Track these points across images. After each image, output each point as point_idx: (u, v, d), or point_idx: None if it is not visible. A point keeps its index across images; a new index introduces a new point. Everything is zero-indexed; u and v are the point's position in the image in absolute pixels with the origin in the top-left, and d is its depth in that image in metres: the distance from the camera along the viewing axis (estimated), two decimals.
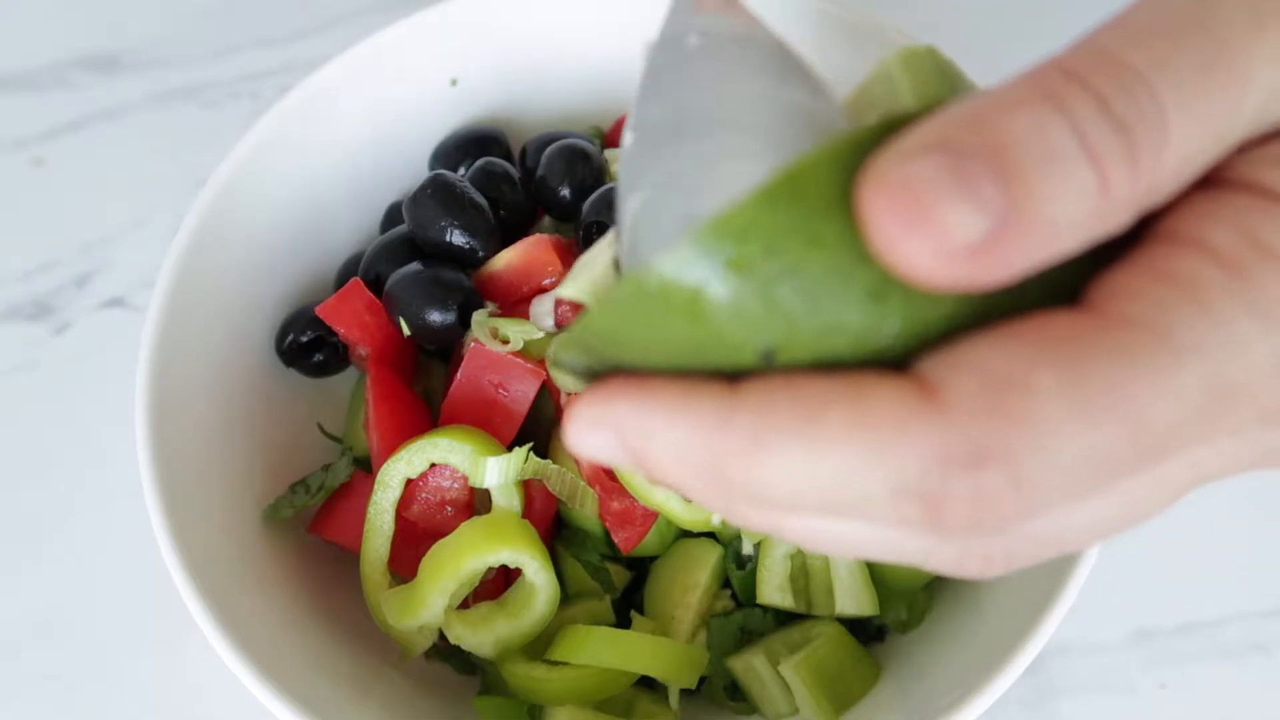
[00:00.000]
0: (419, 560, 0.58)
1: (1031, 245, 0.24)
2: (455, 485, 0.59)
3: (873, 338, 0.26)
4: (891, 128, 0.26)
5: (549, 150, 0.67)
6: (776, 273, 0.25)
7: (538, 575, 0.57)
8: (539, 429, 0.62)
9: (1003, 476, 0.24)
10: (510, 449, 0.58)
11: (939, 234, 0.23)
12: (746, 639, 0.60)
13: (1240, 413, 0.26)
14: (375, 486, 0.59)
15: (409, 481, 0.59)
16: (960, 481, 0.24)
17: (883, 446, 0.25)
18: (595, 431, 0.27)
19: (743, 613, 0.60)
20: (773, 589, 0.58)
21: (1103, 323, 0.25)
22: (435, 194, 0.63)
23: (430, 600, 0.56)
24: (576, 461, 0.58)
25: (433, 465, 0.59)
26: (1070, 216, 0.24)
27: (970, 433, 0.24)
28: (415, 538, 0.60)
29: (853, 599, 0.58)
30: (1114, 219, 0.25)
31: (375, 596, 0.59)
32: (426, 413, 0.64)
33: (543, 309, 0.62)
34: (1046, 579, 0.54)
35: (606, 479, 0.58)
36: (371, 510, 0.59)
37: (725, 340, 0.26)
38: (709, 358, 0.26)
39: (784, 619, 0.61)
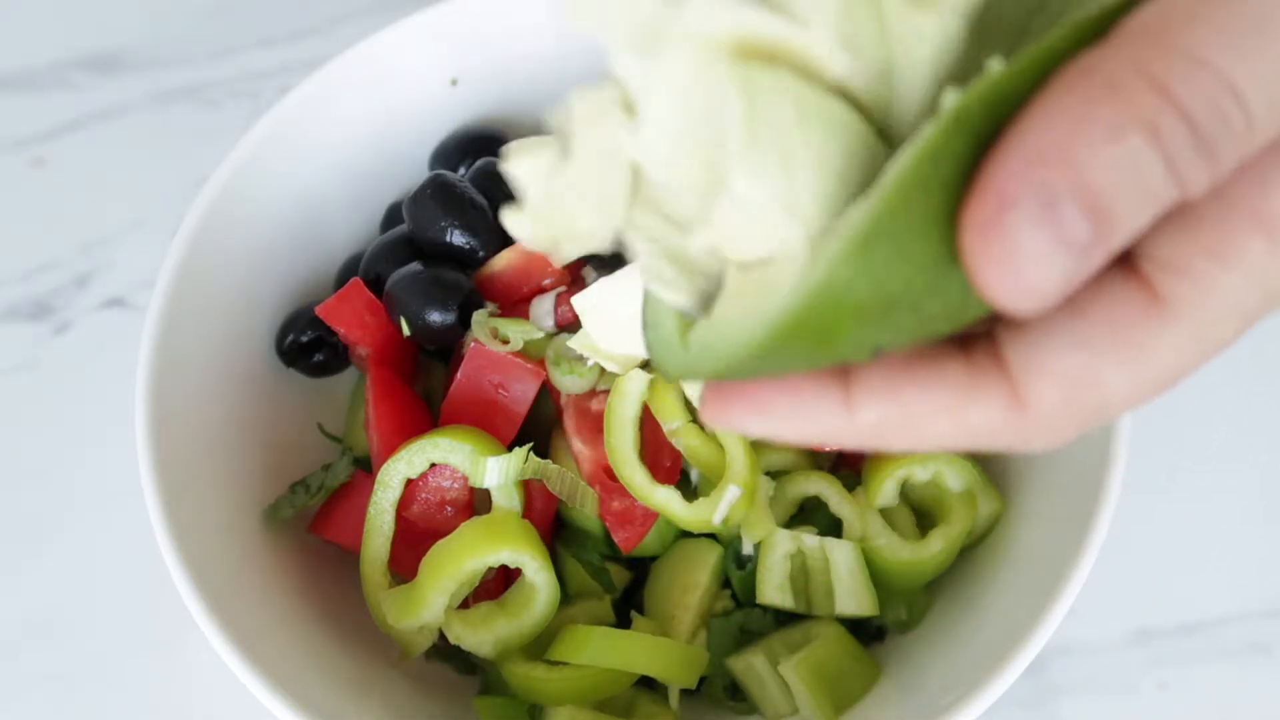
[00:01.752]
0: (419, 561, 0.58)
1: (1107, 257, 0.27)
2: (455, 485, 0.59)
3: (961, 320, 0.29)
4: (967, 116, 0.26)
5: None
6: (890, 302, 0.28)
7: (538, 575, 0.57)
8: (539, 429, 0.62)
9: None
10: (510, 449, 0.58)
11: (1034, 281, 0.26)
12: (746, 639, 0.60)
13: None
14: (375, 487, 0.59)
15: (409, 482, 0.59)
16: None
17: (979, 446, 0.31)
18: (736, 419, 0.32)
19: (743, 613, 0.60)
20: (772, 589, 0.58)
21: (1162, 313, 0.28)
22: (435, 194, 0.63)
23: (430, 600, 0.56)
24: (576, 460, 0.58)
25: (433, 465, 0.59)
26: (1144, 224, 0.27)
27: (1052, 440, 0.30)
28: (415, 538, 0.60)
29: (852, 599, 0.58)
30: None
31: (375, 597, 0.59)
32: (426, 413, 0.64)
33: (543, 309, 0.62)
34: (1046, 579, 0.54)
35: (606, 478, 0.58)
36: (371, 511, 0.59)
37: (843, 352, 0.29)
38: (822, 363, 0.30)
39: (784, 619, 0.61)
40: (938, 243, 0.27)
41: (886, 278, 0.27)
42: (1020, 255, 0.25)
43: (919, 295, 0.28)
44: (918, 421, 0.30)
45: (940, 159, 0.26)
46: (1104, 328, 0.28)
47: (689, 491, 0.60)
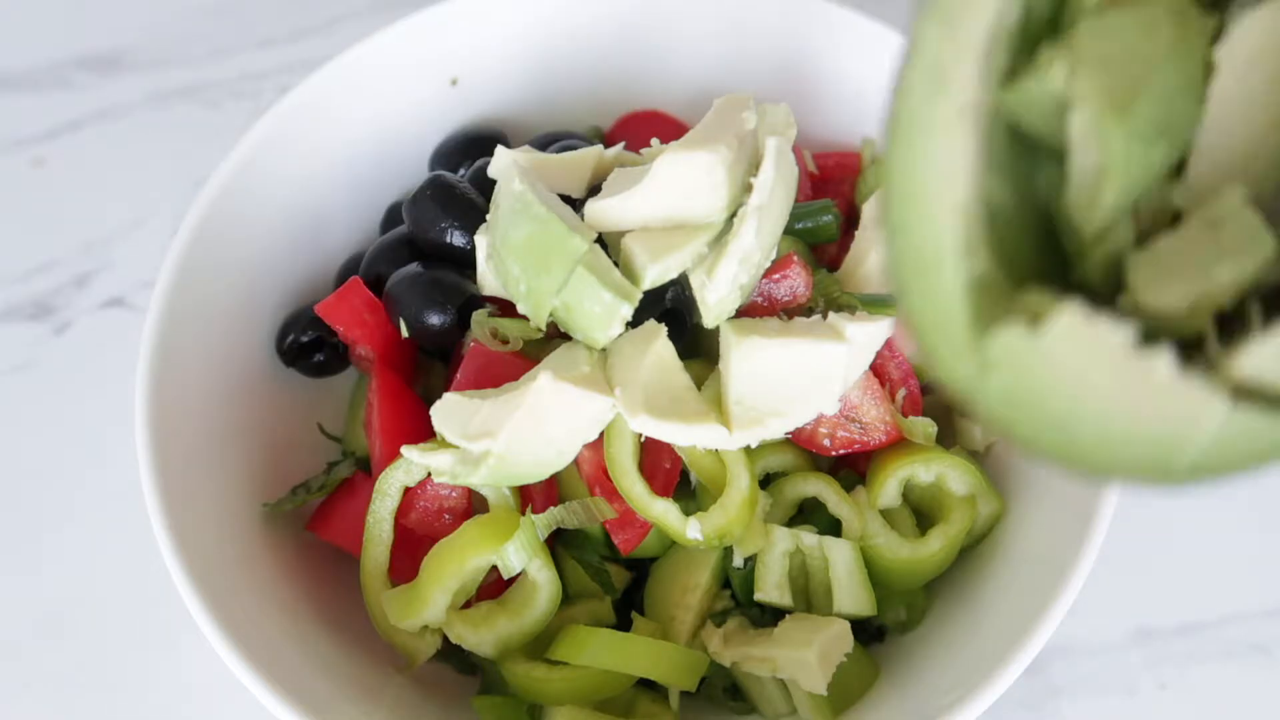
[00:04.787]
0: (418, 568, 0.58)
1: None
2: (453, 493, 0.59)
3: None
4: None
5: (548, 150, 0.67)
6: None
7: (540, 573, 0.57)
8: None
9: None
10: None
11: None
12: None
13: None
14: (374, 495, 0.59)
15: (407, 489, 0.59)
16: None
17: None
18: None
19: (742, 611, 0.60)
20: (770, 586, 0.58)
21: None
22: (435, 195, 0.63)
23: (433, 598, 0.56)
24: (577, 463, 0.58)
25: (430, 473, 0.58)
26: None
27: None
28: (413, 545, 0.59)
29: (851, 599, 0.58)
30: None
31: (376, 604, 0.59)
32: (428, 415, 0.64)
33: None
34: (1046, 579, 0.54)
35: (606, 479, 0.58)
36: (370, 519, 0.59)
37: None
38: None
39: (783, 619, 0.61)
40: None
41: None
42: None
43: None
44: None
45: None
46: None
47: (688, 493, 0.60)
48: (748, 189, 0.55)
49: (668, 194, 0.55)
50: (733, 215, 0.56)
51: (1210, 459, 0.22)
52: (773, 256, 0.58)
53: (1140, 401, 0.22)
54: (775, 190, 0.55)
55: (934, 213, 0.23)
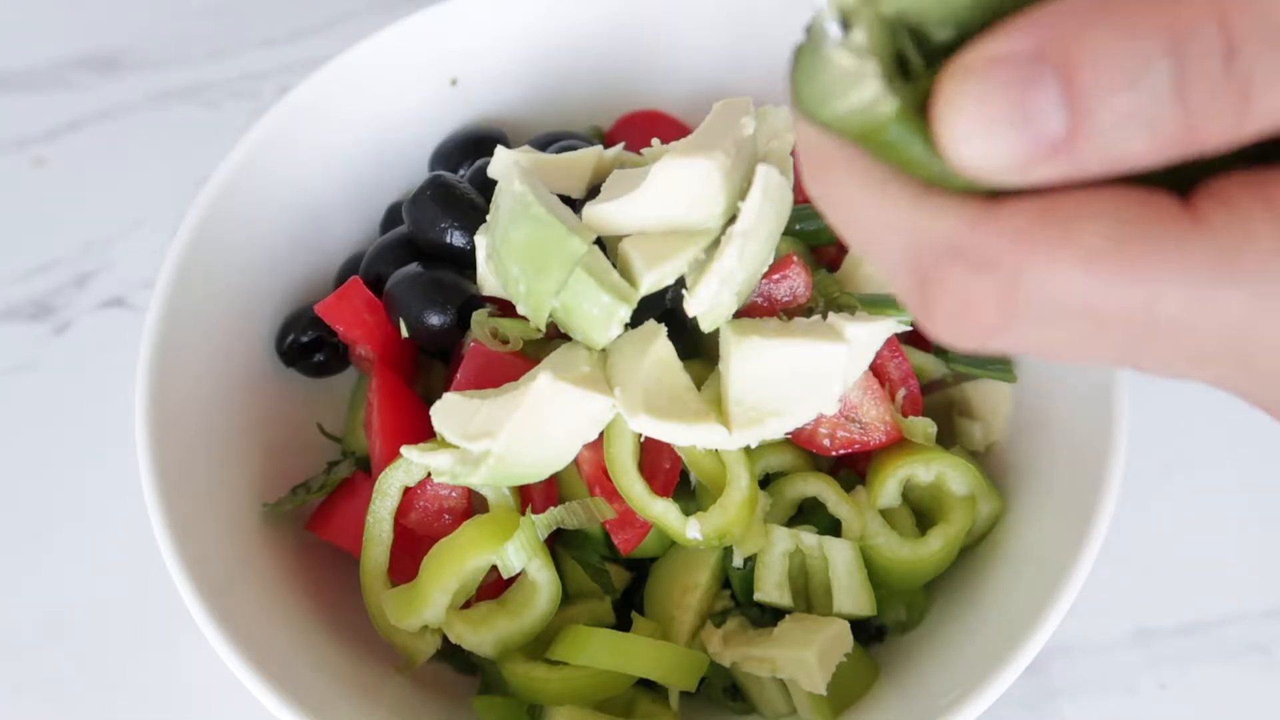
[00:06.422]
0: (418, 568, 0.58)
1: (1076, 170, 0.25)
2: (453, 493, 0.59)
3: None
4: None
5: (548, 150, 0.67)
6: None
7: (540, 573, 0.57)
8: None
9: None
10: None
11: (981, 148, 0.25)
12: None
13: (1230, 360, 0.27)
14: (374, 495, 0.59)
15: (407, 489, 0.59)
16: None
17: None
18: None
19: (742, 611, 0.60)
20: (770, 586, 0.58)
21: (1190, 219, 0.26)
22: (435, 195, 0.63)
23: (432, 598, 0.56)
24: (577, 463, 0.58)
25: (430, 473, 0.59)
26: (1133, 155, 0.25)
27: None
28: (413, 546, 0.59)
29: (851, 599, 0.58)
30: (1183, 153, 0.25)
31: (376, 604, 0.59)
32: (428, 416, 0.64)
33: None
34: (1046, 579, 0.54)
35: (606, 479, 0.58)
36: (370, 519, 0.59)
37: None
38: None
39: (783, 619, 0.61)
40: None
41: None
42: (977, 118, 0.25)
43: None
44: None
45: None
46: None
47: (688, 493, 0.60)
48: (745, 194, 0.55)
49: (665, 200, 0.55)
50: (730, 221, 0.56)
51: (865, 109, 0.29)
52: (763, 270, 0.58)
53: (838, 78, 0.31)
54: (763, 215, 0.54)
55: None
